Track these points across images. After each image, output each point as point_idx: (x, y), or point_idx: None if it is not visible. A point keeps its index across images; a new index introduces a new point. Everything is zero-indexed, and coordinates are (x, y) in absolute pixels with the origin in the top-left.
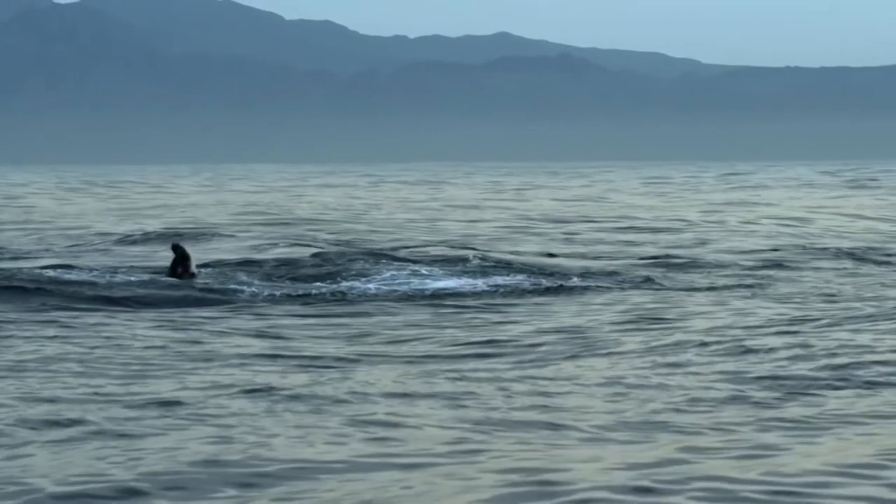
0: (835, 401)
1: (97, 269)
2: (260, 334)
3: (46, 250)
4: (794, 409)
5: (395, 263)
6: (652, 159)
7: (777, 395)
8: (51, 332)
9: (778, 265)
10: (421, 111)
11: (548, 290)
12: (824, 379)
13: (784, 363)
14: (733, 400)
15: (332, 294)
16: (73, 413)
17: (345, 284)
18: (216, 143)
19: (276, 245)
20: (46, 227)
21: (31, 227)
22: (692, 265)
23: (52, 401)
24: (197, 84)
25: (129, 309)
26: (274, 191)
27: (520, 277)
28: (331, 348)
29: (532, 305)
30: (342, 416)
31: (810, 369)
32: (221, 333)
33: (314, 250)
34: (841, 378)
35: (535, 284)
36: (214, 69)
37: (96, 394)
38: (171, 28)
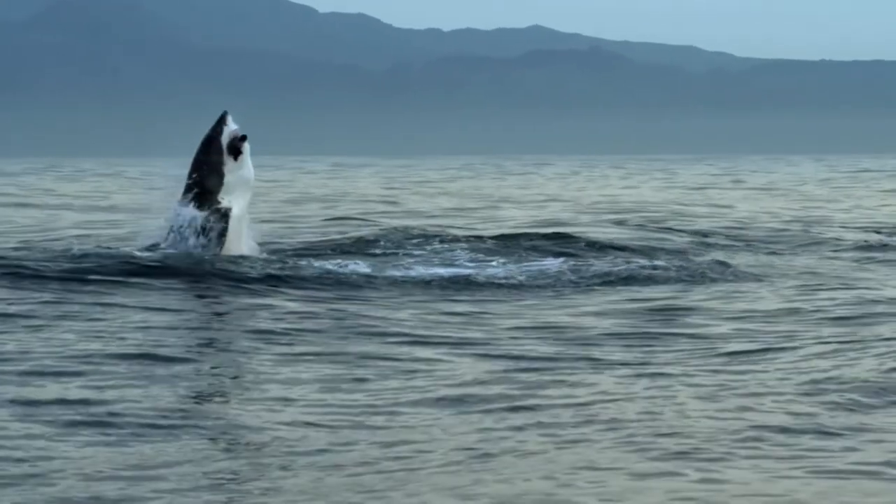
0: None
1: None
2: None
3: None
4: None
5: None
6: (684, 153)
7: None
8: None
9: None
10: (453, 104)
11: None
12: None
13: None
14: None
15: None
16: None
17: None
18: (251, 136)
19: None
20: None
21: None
22: None
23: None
24: (229, 78)
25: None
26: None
27: None
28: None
29: None
30: None
31: None
32: None
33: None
34: None
35: None
36: (247, 63)
37: None
38: (204, 22)
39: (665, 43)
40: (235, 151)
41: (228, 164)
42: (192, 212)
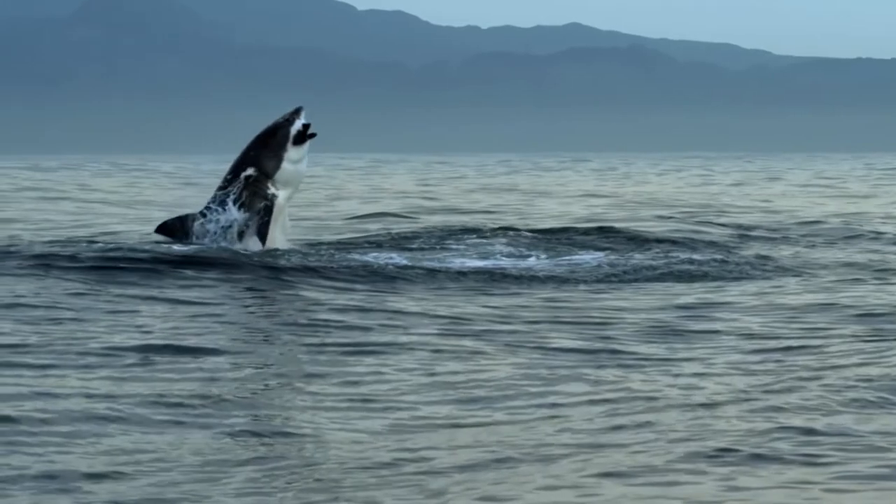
0: None
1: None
2: None
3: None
4: None
5: None
6: (722, 150)
7: None
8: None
9: None
10: (491, 101)
11: None
12: None
13: None
14: None
15: None
16: None
17: None
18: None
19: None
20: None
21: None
22: None
23: None
24: (267, 75)
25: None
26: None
27: None
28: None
29: None
30: None
31: None
32: None
33: None
34: None
35: None
36: (285, 60)
37: None
38: (241, 19)
39: (704, 41)
40: (300, 141)
41: (290, 152)
42: (236, 196)
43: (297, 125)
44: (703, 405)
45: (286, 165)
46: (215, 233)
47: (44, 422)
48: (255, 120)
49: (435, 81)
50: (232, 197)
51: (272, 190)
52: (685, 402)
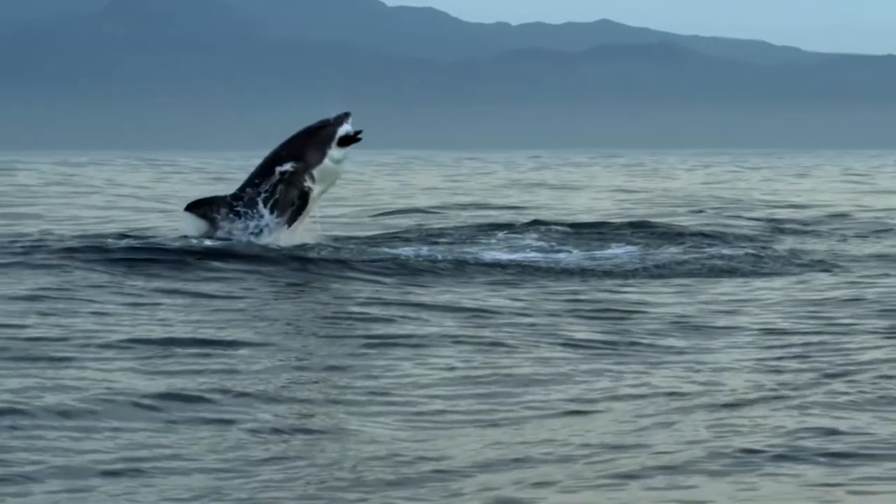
0: None
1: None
2: None
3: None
4: None
5: None
6: (753, 147)
7: None
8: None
9: None
10: (521, 98)
11: None
12: None
13: None
14: None
15: None
16: None
17: None
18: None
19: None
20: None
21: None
22: None
23: None
24: (296, 70)
25: None
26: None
27: None
28: None
29: None
30: None
31: None
32: None
33: None
34: None
35: None
36: (314, 55)
37: None
38: (271, 13)
39: (734, 37)
40: (345, 143)
41: (334, 150)
42: (268, 193)
43: (345, 128)
44: (726, 405)
45: (328, 162)
46: (242, 232)
47: (63, 415)
48: (284, 115)
49: (465, 78)
50: (263, 196)
51: (309, 183)
52: (709, 400)
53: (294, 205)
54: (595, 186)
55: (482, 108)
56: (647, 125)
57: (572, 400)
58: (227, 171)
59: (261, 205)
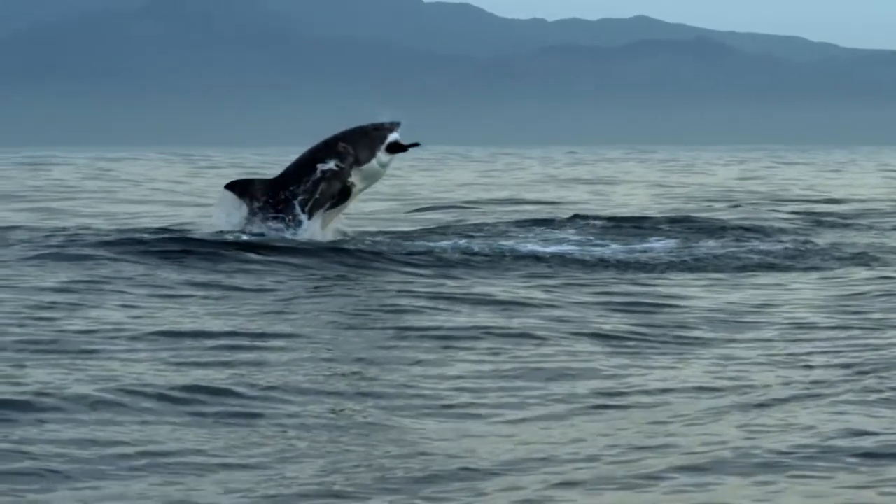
0: None
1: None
2: None
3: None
4: None
5: None
6: (789, 143)
7: None
8: None
9: None
10: (557, 94)
11: None
12: None
13: None
14: None
15: None
16: None
17: None
18: (349, 126)
19: None
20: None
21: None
22: None
23: None
24: (332, 67)
25: None
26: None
27: None
28: None
29: None
30: None
31: None
32: None
33: None
34: None
35: None
36: (350, 52)
37: None
38: (307, 11)
39: (771, 34)
40: (393, 150)
41: (381, 154)
42: (306, 195)
43: (395, 136)
44: (756, 403)
45: (375, 163)
46: (276, 230)
47: (89, 406)
48: (320, 111)
49: (501, 74)
50: (300, 198)
51: (354, 179)
52: (739, 398)
53: (334, 198)
54: (631, 182)
55: (518, 104)
56: (682, 121)
57: (601, 394)
58: (263, 166)
59: (297, 207)
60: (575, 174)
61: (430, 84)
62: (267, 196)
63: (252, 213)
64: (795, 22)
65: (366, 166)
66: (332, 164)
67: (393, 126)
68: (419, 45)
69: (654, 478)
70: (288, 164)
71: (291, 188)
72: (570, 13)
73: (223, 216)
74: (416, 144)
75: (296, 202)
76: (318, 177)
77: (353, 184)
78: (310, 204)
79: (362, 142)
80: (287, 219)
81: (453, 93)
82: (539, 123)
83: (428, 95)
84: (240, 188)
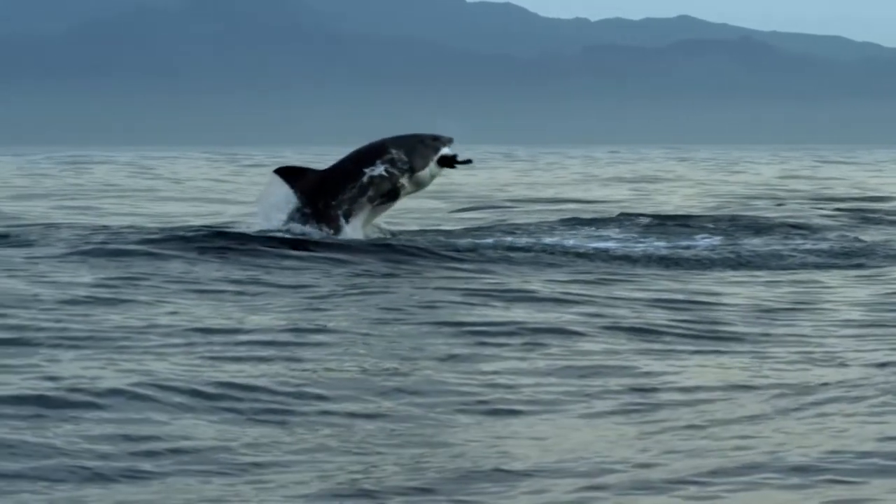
0: None
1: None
2: None
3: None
4: None
5: None
6: (834, 143)
7: None
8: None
9: None
10: (600, 93)
11: None
12: None
13: None
14: None
15: None
16: None
17: None
18: (397, 125)
19: None
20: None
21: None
22: None
23: None
24: (376, 67)
25: None
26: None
27: None
28: None
29: None
30: None
31: None
32: None
33: None
34: None
35: None
36: (395, 52)
37: None
38: (352, 10)
39: (814, 33)
40: (444, 164)
41: (433, 164)
42: (350, 204)
43: (447, 150)
44: (794, 406)
45: (426, 172)
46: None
47: (124, 403)
48: (365, 110)
49: (543, 74)
50: (345, 208)
51: (403, 181)
52: (776, 399)
53: (380, 202)
54: (674, 180)
55: (561, 104)
56: (725, 121)
57: (636, 392)
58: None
59: (342, 218)
60: (617, 173)
61: (473, 84)
62: (312, 193)
63: (297, 207)
64: (838, 21)
65: (418, 174)
66: (381, 170)
67: (447, 141)
68: (462, 44)
69: (688, 482)
70: (335, 161)
71: (337, 195)
72: (614, 13)
73: (269, 204)
74: (468, 161)
75: (340, 212)
76: (366, 182)
77: (403, 186)
78: (354, 209)
79: (418, 150)
80: (328, 227)
81: (495, 93)
82: (582, 123)
83: (470, 95)
84: (289, 175)
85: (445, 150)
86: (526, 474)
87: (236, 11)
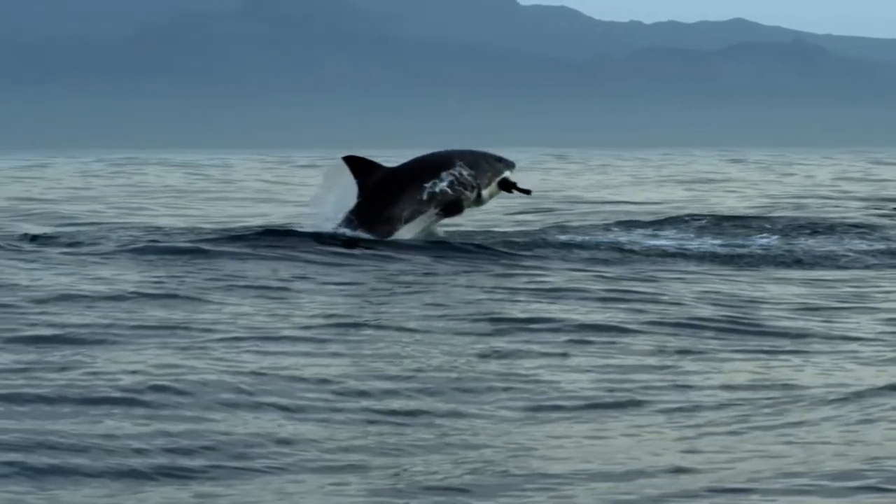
0: None
1: None
2: None
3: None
4: None
5: None
6: (886, 146)
7: None
8: None
9: None
10: (654, 97)
11: None
12: None
13: None
14: None
15: None
16: None
17: None
18: (447, 128)
19: None
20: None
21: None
22: None
23: None
24: (429, 69)
25: None
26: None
27: None
28: None
29: None
30: None
31: None
32: None
33: None
34: None
35: None
36: (447, 55)
37: None
38: (405, 13)
39: (868, 36)
40: (504, 187)
41: (494, 185)
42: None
43: (508, 174)
44: (851, 410)
45: (487, 192)
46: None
47: (168, 399)
48: (416, 113)
49: (598, 76)
50: (403, 215)
51: (466, 196)
52: (830, 402)
53: (439, 215)
54: (729, 181)
55: (615, 107)
56: (779, 123)
57: (686, 389)
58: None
59: (399, 224)
60: (671, 175)
61: (527, 86)
62: (375, 191)
63: (353, 207)
64: (892, 25)
65: (480, 192)
66: (446, 183)
67: (510, 164)
68: (516, 47)
69: (741, 491)
70: (399, 163)
71: (398, 200)
72: (668, 16)
73: (330, 192)
74: (527, 192)
75: (398, 217)
76: (429, 193)
77: (464, 201)
78: (413, 216)
79: (483, 168)
80: (383, 229)
81: (550, 95)
82: (636, 125)
83: (524, 98)
84: (357, 165)
85: (507, 174)
86: (564, 477)
87: (287, 14)
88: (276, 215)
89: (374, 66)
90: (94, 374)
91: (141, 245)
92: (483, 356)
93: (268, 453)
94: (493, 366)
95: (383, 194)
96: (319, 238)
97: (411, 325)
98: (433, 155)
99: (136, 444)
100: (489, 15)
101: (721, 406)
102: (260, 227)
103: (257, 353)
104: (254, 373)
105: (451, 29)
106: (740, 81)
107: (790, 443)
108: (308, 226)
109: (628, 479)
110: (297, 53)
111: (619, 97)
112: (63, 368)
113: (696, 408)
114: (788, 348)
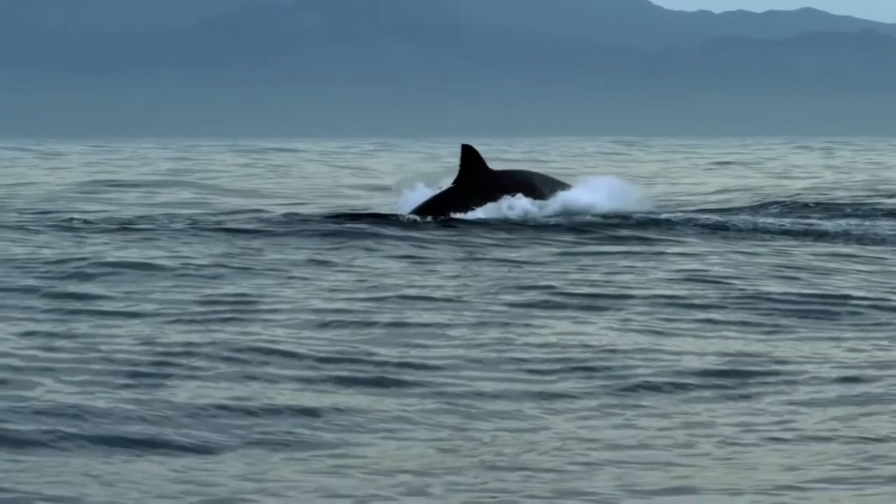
0: None
1: None
2: None
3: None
4: None
5: None
6: None
7: None
8: None
9: None
10: (724, 86)
11: None
12: None
13: None
14: None
15: None
16: None
17: None
18: (516, 118)
19: None
20: None
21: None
22: None
23: None
24: (497, 59)
25: None
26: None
27: None
28: None
29: None
30: None
31: None
32: None
33: None
34: None
35: None
36: (515, 44)
37: None
38: (474, 2)
39: None
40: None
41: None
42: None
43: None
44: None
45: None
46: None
47: (225, 372)
48: (485, 104)
49: (667, 66)
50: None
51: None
52: (880, 391)
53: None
54: (805, 167)
55: (684, 96)
56: (850, 113)
57: (739, 374)
58: (447, 157)
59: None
60: (750, 161)
61: (596, 76)
62: (457, 192)
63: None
64: None
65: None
66: (522, 204)
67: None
68: (585, 36)
69: (791, 488)
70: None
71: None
72: (737, 5)
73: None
74: None
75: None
76: (504, 210)
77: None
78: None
79: (556, 193)
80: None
81: (619, 85)
82: (706, 115)
83: (593, 88)
84: (467, 157)
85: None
86: (610, 462)
87: (351, 3)
88: (336, 201)
89: (440, 56)
90: (145, 343)
91: (208, 226)
92: (541, 329)
93: (316, 422)
94: (553, 340)
95: (461, 198)
96: (386, 220)
97: (467, 300)
98: (516, 174)
99: (174, 414)
100: (558, 4)
101: (776, 387)
102: (325, 214)
103: (319, 324)
104: (312, 344)
105: (521, 18)
106: (811, 71)
107: (834, 431)
108: (378, 206)
109: (671, 465)
110: (362, 44)
111: (689, 87)
112: (117, 342)
113: (755, 394)
114: (855, 329)
